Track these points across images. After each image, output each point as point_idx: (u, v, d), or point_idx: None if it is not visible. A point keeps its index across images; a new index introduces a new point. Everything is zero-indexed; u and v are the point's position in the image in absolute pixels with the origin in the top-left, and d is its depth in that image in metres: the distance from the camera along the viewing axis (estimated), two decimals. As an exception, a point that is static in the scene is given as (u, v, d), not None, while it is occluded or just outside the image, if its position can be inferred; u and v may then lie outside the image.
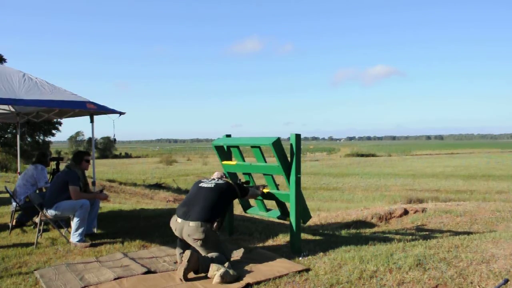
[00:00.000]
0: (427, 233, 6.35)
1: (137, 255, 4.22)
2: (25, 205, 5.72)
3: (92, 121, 5.75)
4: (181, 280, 3.37)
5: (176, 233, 3.77)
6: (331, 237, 5.32)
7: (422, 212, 8.10)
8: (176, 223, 3.75)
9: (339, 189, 29.51)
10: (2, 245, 4.83)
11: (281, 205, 4.72)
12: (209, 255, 3.58)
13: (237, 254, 4.10)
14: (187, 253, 3.41)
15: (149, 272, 3.67)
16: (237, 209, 6.31)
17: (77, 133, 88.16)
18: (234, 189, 4.09)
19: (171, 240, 4.66)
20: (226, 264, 3.49)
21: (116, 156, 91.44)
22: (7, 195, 6.88)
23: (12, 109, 6.79)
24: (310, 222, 7.77)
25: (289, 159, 4.24)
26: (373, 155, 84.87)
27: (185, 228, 3.65)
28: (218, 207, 3.77)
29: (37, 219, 4.99)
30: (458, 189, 26.37)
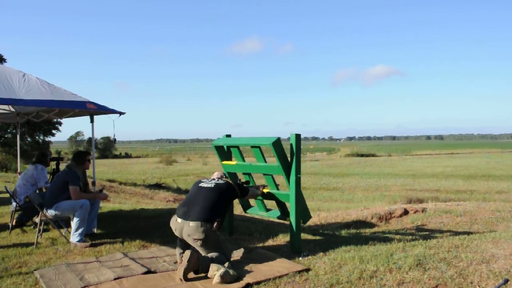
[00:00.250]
0: (427, 233, 6.35)
1: (137, 255, 4.22)
2: (25, 205, 5.72)
3: (92, 121, 5.75)
4: (181, 280, 3.37)
5: (176, 233, 3.77)
6: (331, 237, 5.32)
7: (422, 212, 8.10)
8: (176, 223, 3.75)
9: (339, 189, 29.51)
10: (2, 245, 4.83)
11: (281, 205, 4.72)
12: (209, 255, 3.58)
13: (237, 254, 4.10)
14: (187, 253, 3.41)
15: (149, 272, 3.67)
16: (237, 209, 6.31)
17: (77, 133, 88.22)
18: (234, 189, 4.09)
19: (171, 240, 4.66)
20: (226, 264, 3.49)
21: (116, 156, 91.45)
22: (7, 195, 6.88)
23: (12, 109, 6.79)
24: (310, 222, 7.77)
25: (289, 159, 4.24)
26: (373, 155, 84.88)
27: (185, 228, 3.65)
28: (218, 207, 3.77)
29: (37, 219, 4.99)
30: (458, 189, 26.37)
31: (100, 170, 42.51)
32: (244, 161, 4.99)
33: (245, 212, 5.32)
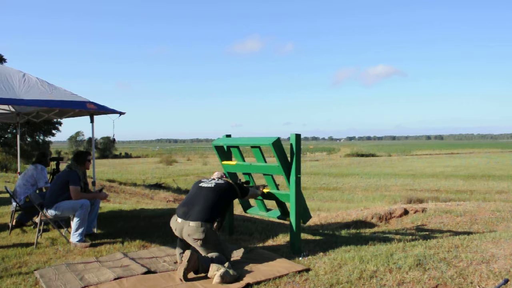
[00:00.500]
0: (427, 233, 6.35)
1: (137, 255, 4.22)
2: (25, 205, 5.72)
3: (92, 121, 5.75)
4: (181, 280, 3.37)
5: (176, 233, 3.77)
6: (331, 237, 5.32)
7: (422, 212, 8.10)
8: (176, 223, 3.75)
9: (339, 189, 29.51)
10: (2, 245, 4.83)
11: (281, 205, 4.72)
12: (209, 255, 3.58)
13: (237, 254, 4.10)
14: (187, 253, 3.41)
15: (149, 272, 3.67)
16: (237, 209, 6.31)
17: (77, 133, 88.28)
18: (234, 189, 4.09)
19: (171, 240, 4.66)
20: (226, 264, 3.49)
21: (116, 156, 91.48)
22: (7, 195, 6.89)
23: (12, 109, 6.79)
24: (310, 222, 7.77)
25: (289, 159, 4.24)
26: (373, 155, 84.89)
27: (185, 228, 3.65)
28: (218, 207, 3.77)
29: (37, 219, 4.99)
30: (458, 189, 26.37)
31: (100, 170, 42.52)
32: (244, 161, 5.00)
33: (245, 212, 5.32)
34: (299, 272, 3.49)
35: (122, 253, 4.31)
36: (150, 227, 5.71)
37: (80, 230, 4.76)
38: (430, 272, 3.25)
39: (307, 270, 3.54)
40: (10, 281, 3.53)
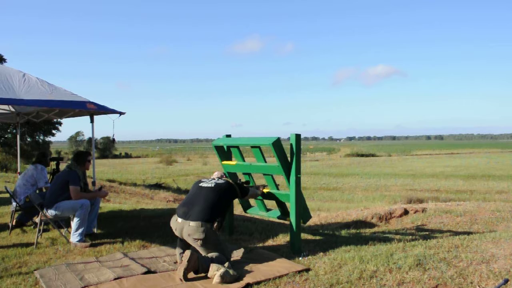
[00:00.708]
0: (427, 233, 6.35)
1: (137, 255, 4.22)
2: (25, 205, 5.72)
3: (92, 121, 5.75)
4: (181, 280, 3.37)
5: (176, 233, 3.77)
6: (331, 237, 5.32)
7: (422, 212, 8.10)
8: (176, 223, 3.75)
9: (339, 189, 29.51)
10: (2, 245, 4.83)
11: (281, 205, 4.72)
12: (209, 255, 3.58)
13: (237, 254, 4.10)
14: (187, 253, 3.41)
15: (149, 272, 3.67)
16: (237, 209, 6.31)
17: (77, 133, 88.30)
18: (235, 189, 4.09)
19: (171, 240, 4.66)
20: (226, 264, 3.49)
21: (116, 156, 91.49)
22: (7, 195, 6.88)
23: (12, 109, 6.79)
24: (310, 222, 7.77)
25: (289, 159, 4.24)
26: (373, 155, 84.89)
27: (185, 228, 3.65)
28: (219, 207, 3.77)
29: (37, 219, 4.99)
30: (458, 189, 26.37)
31: (100, 170, 42.52)
32: (244, 161, 4.99)
33: (245, 212, 5.32)
34: (299, 272, 3.49)
35: (122, 253, 4.31)
36: (150, 227, 5.71)
37: (80, 230, 4.76)
38: (430, 272, 3.25)
39: (307, 270, 3.54)
40: (10, 281, 3.53)
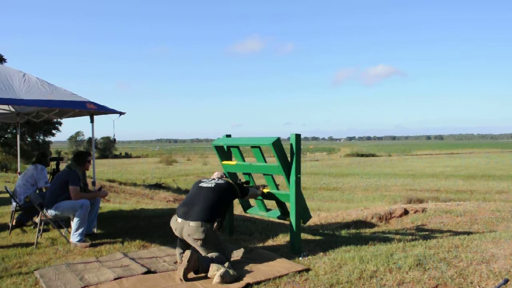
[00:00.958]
0: (427, 233, 6.35)
1: (137, 255, 4.22)
2: (25, 205, 5.72)
3: (92, 121, 5.75)
4: (181, 280, 3.37)
5: (176, 233, 3.77)
6: (331, 237, 5.32)
7: (422, 212, 8.10)
8: (176, 223, 3.75)
9: (339, 189, 29.51)
10: (2, 245, 4.83)
11: (281, 205, 4.72)
12: (209, 255, 3.58)
13: (237, 254, 4.10)
14: (187, 253, 3.41)
15: (149, 272, 3.67)
16: (237, 209, 6.31)
17: (77, 133, 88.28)
18: (235, 189, 4.09)
19: (171, 240, 4.66)
20: (226, 264, 3.49)
21: (116, 156, 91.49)
22: (7, 195, 6.88)
23: (12, 109, 6.79)
24: (310, 222, 7.77)
25: (289, 159, 4.24)
26: (373, 155, 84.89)
27: (185, 228, 3.65)
28: (219, 207, 3.77)
29: (37, 219, 4.99)
30: (458, 189, 26.37)
31: (100, 170, 42.52)
32: (244, 161, 4.99)
33: (245, 212, 5.32)
34: (299, 272, 3.49)
35: (122, 253, 4.31)
36: (150, 227, 5.71)
37: (80, 230, 4.76)
38: (430, 272, 3.25)
39: (307, 270, 3.54)
40: (10, 281, 3.53)
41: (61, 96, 5.06)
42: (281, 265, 3.68)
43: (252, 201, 5.28)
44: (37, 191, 6.02)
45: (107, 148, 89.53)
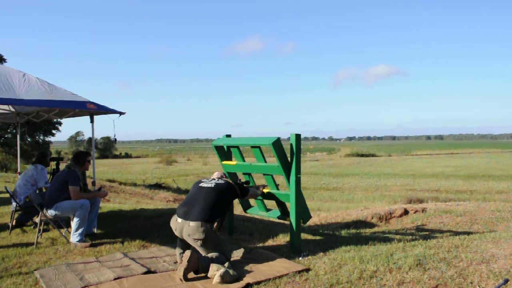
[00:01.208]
0: (427, 233, 6.35)
1: (137, 255, 4.22)
2: (25, 205, 5.72)
3: (92, 121, 5.75)
4: (181, 280, 3.37)
5: (176, 233, 3.77)
6: (331, 237, 5.32)
7: (422, 212, 8.10)
8: (176, 223, 3.75)
9: (339, 189, 29.52)
10: (2, 245, 4.83)
11: (281, 205, 4.72)
12: (209, 255, 3.58)
13: (237, 254, 4.10)
14: (187, 253, 3.41)
15: (149, 272, 3.67)
16: (237, 209, 6.31)
17: (77, 133, 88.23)
18: (235, 189, 4.09)
19: (171, 240, 4.66)
20: (226, 264, 3.49)
21: (116, 156, 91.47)
22: (7, 195, 6.88)
23: (12, 109, 6.79)
24: (310, 222, 7.77)
25: (289, 159, 4.24)
26: (373, 155, 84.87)
27: (185, 228, 3.65)
28: (219, 207, 3.77)
29: (37, 219, 4.99)
30: (458, 189, 26.38)
31: (100, 170, 42.53)
32: (244, 161, 4.99)
33: (245, 212, 5.32)
34: (299, 272, 3.49)
35: (122, 253, 4.31)
36: (150, 227, 5.71)
37: (80, 230, 4.76)
38: (430, 272, 3.25)
39: (307, 270, 3.54)
40: (10, 281, 3.53)
41: (61, 96, 5.07)
42: (281, 265, 3.68)
43: (252, 201, 5.28)
44: (37, 191, 6.02)
45: (107, 148, 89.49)
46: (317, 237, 5.25)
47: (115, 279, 3.48)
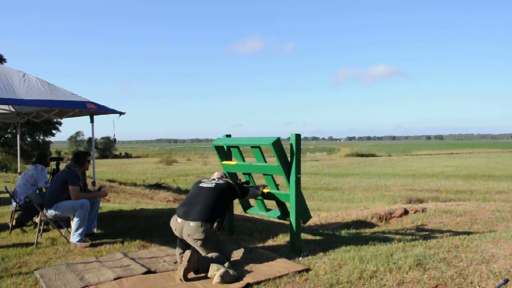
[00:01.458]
0: (427, 233, 6.35)
1: (137, 255, 4.22)
2: (25, 205, 5.72)
3: (92, 121, 5.75)
4: (181, 280, 3.37)
5: (176, 233, 3.77)
6: (331, 237, 5.32)
7: (422, 212, 8.10)
8: (176, 223, 3.75)
9: (339, 189, 29.52)
10: (2, 245, 4.83)
11: (281, 205, 4.72)
12: (209, 255, 3.58)
13: (237, 254, 4.10)
14: (187, 253, 3.41)
15: (149, 272, 3.67)
16: (237, 209, 6.31)
17: (77, 133, 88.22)
18: (235, 189, 4.09)
19: (171, 240, 4.66)
20: (226, 264, 3.49)
21: (116, 156, 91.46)
22: (7, 195, 6.89)
23: (12, 109, 6.79)
24: (310, 222, 7.77)
25: (289, 159, 4.24)
26: (373, 155, 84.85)
27: (185, 228, 3.65)
28: (218, 207, 3.77)
29: (37, 219, 4.99)
30: (458, 189, 26.38)
31: (100, 170, 42.53)
32: (244, 161, 4.99)
33: (245, 212, 5.32)
34: (299, 272, 3.49)
35: (122, 253, 4.31)
36: (150, 227, 5.71)
37: (80, 230, 4.76)
38: (430, 272, 3.25)
39: (307, 270, 3.54)
40: (10, 281, 3.53)
41: (61, 96, 5.07)
42: (281, 265, 3.68)
43: (252, 201, 5.28)
44: (37, 191, 6.02)
45: (107, 148, 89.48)
46: (317, 237, 5.25)
47: (115, 279, 3.48)
